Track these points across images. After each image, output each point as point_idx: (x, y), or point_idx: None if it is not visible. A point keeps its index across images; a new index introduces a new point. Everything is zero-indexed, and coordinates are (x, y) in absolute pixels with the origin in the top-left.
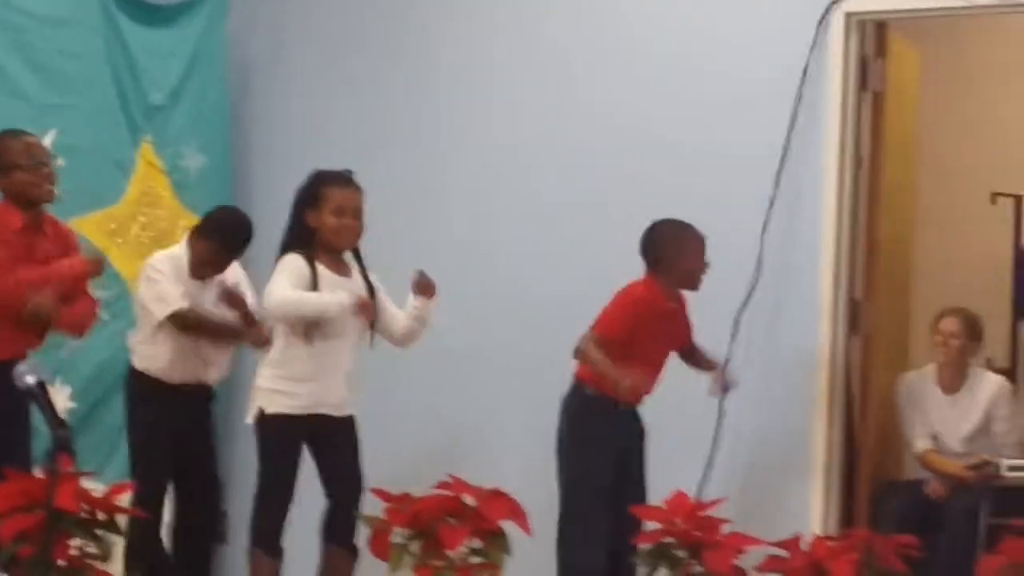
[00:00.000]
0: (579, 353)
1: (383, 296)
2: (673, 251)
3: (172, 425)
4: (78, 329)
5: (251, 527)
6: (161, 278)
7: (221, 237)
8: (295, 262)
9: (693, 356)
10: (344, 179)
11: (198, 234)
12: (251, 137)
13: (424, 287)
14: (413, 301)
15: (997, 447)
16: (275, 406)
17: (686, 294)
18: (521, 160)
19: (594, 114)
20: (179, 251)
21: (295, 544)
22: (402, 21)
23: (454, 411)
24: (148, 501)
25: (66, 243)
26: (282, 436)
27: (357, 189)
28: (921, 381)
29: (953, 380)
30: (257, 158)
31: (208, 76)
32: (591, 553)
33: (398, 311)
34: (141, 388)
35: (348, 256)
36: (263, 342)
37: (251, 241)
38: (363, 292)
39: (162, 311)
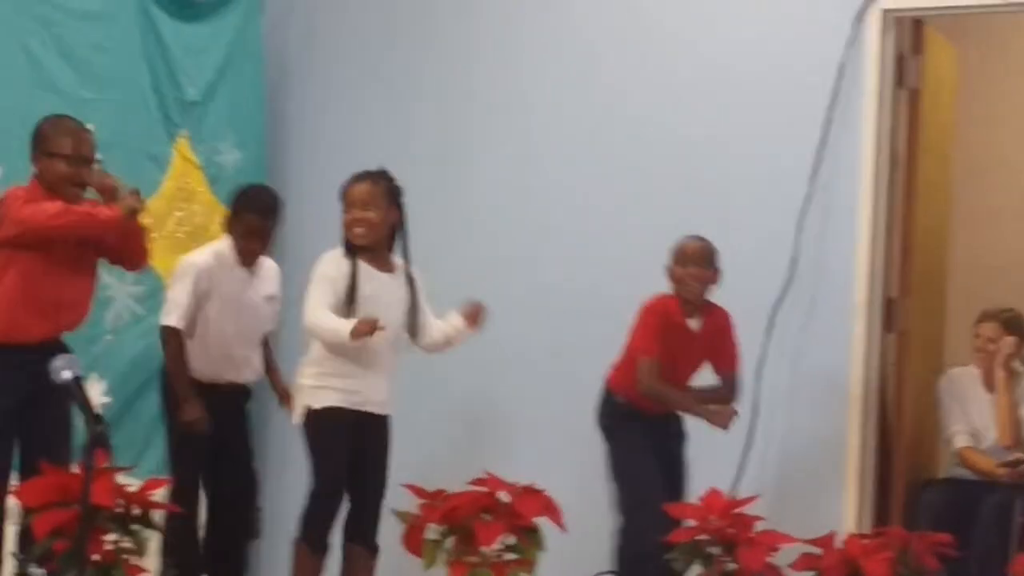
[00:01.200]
0: (644, 388)
1: (421, 297)
2: (671, 261)
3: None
4: (142, 256)
5: (301, 521)
6: (182, 284)
7: (252, 204)
8: (331, 263)
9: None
10: (358, 175)
11: (232, 216)
12: (287, 132)
13: (475, 318)
14: (456, 323)
15: None
16: (322, 401)
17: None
18: (553, 156)
19: (627, 114)
20: (220, 245)
21: None
22: (437, 14)
23: (484, 407)
24: (184, 497)
25: None
26: (331, 430)
27: (366, 181)
28: (965, 377)
29: (998, 372)
30: (293, 153)
31: (244, 71)
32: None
33: (433, 320)
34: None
35: (395, 256)
36: (188, 426)
37: (281, 206)
38: (402, 289)
39: (163, 317)
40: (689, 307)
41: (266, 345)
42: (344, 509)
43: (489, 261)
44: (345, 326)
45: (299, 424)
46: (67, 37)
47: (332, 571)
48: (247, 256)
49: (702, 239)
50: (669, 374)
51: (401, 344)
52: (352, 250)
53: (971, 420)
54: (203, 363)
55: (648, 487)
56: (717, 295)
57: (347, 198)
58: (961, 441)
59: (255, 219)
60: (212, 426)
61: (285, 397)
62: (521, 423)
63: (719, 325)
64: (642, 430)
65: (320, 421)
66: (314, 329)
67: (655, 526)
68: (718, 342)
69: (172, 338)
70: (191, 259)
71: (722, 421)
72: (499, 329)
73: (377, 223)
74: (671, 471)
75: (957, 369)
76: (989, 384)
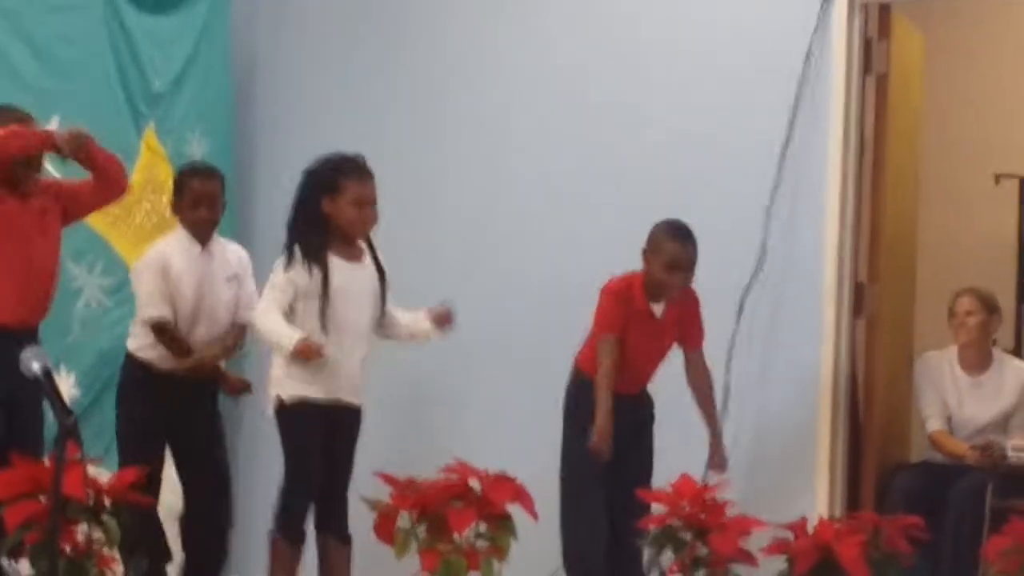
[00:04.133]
0: (602, 367)
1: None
2: (648, 252)
3: (165, 412)
4: (117, 179)
5: (276, 513)
6: (144, 279)
7: (191, 171)
8: (286, 276)
9: (700, 386)
10: (362, 169)
11: (176, 194)
12: (254, 123)
13: (443, 321)
14: (423, 323)
15: (1008, 432)
16: (294, 391)
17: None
18: (522, 146)
19: (595, 102)
20: (174, 233)
21: None
22: (406, 4)
23: (458, 395)
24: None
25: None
26: (303, 421)
27: (372, 177)
28: (942, 361)
29: (977, 361)
30: (261, 144)
31: (211, 62)
32: (590, 538)
33: (401, 314)
34: (132, 372)
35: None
36: (235, 390)
37: (222, 177)
38: (373, 277)
39: (146, 312)
40: (654, 293)
41: (231, 333)
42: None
43: (458, 250)
44: (289, 340)
45: (271, 414)
46: (33, 28)
47: (308, 563)
48: (200, 226)
49: (691, 242)
50: (631, 357)
51: (371, 333)
52: (323, 242)
53: (946, 403)
54: (162, 349)
55: (585, 484)
56: None
57: (358, 194)
58: (934, 425)
59: (197, 183)
60: (174, 415)
61: (231, 387)
62: (492, 410)
63: (684, 306)
64: None
65: (292, 412)
66: (259, 331)
67: (589, 532)
68: (685, 321)
69: (157, 330)
70: (143, 255)
71: (598, 440)
72: (470, 316)
73: (377, 218)
74: (636, 453)
75: (933, 352)
76: (966, 363)
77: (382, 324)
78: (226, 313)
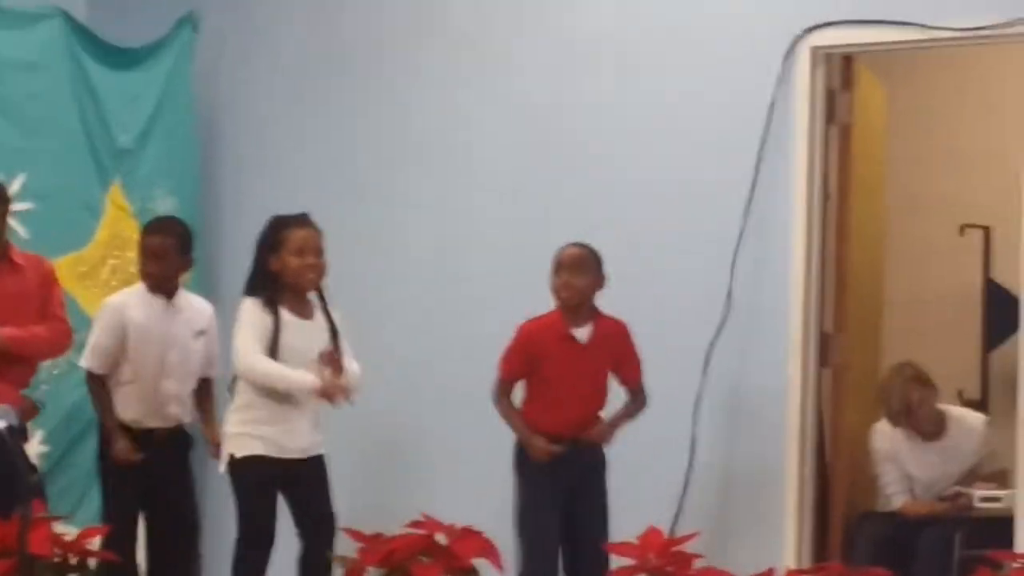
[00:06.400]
0: (495, 401)
1: (343, 340)
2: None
3: (141, 468)
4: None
5: (232, 569)
6: (97, 325)
7: (147, 228)
8: (255, 311)
9: (630, 409)
10: (302, 220)
11: (138, 250)
12: (220, 178)
13: (328, 361)
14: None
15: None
16: (244, 450)
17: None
18: (488, 195)
19: (561, 153)
20: (134, 287)
21: None
22: (371, 61)
23: (425, 447)
24: (118, 543)
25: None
26: (254, 478)
27: (315, 229)
28: (896, 431)
29: (930, 427)
30: (227, 199)
31: (176, 118)
32: None
33: (351, 362)
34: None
35: (313, 297)
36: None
37: (185, 231)
38: (325, 334)
39: (83, 359)
40: (572, 317)
41: (203, 390)
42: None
43: (422, 298)
44: (306, 379)
45: (224, 472)
46: (0, 87)
47: None
48: (149, 280)
49: (580, 245)
50: (559, 387)
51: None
52: (274, 297)
53: (907, 475)
54: (132, 404)
55: (539, 549)
56: (651, 329)
57: (297, 243)
58: (899, 501)
59: (150, 239)
60: (148, 471)
61: (215, 447)
62: (455, 460)
63: (614, 335)
64: (550, 469)
65: (243, 469)
66: (254, 372)
67: None
68: (618, 353)
69: (89, 379)
70: (104, 301)
71: (533, 455)
72: (435, 367)
73: (325, 270)
74: (587, 501)
75: (885, 423)
76: (922, 432)
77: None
78: (197, 368)
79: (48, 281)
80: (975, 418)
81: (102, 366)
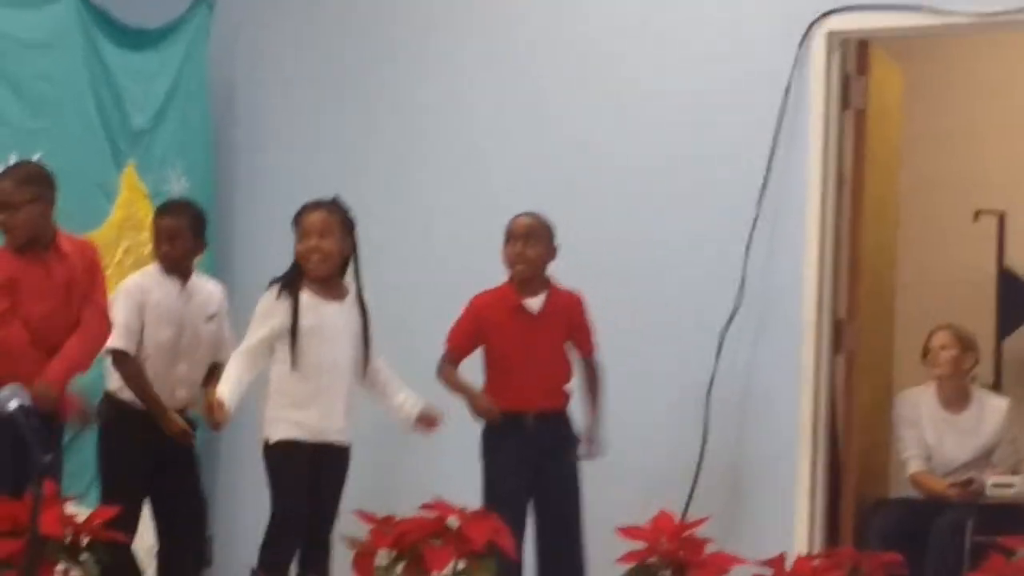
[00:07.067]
0: (437, 372)
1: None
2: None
3: (145, 450)
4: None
5: (261, 551)
6: (119, 306)
7: (160, 210)
8: (266, 301)
9: (589, 382)
10: (313, 204)
11: (151, 231)
12: (235, 160)
13: (428, 423)
14: (407, 411)
15: (990, 467)
16: (279, 433)
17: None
18: (501, 181)
19: (574, 139)
20: (149, 268)
21: None
22: (385, 41)
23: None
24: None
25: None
26: (289, 464)
27: (322, 210)
28: (920, 398)
29: (955, 397)
30: (241, 180)
31: (191, 99)
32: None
33: (392, 384)
34: (110, 412)
35: (349, 280)
36: (179, 438)
37: (197, 213)
38: (352, 318)
39: (109, 341)
40: (525, 288)
41: (213, 374)
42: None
43: (436, 284)
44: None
45: (262, 455)
46: (13, 67)
47: None
48: (167, 261)
49: (531, 215)
50: (516, 360)
51: (357, 372)
52: (294, 281)
53: (925, 443)
54: (157, 386)
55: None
56: (665, 315)
57: (303, 226)
58: (914, 466)
59: (163, 220)
60: (155, 454)
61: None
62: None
63: (568, 306)
64: (516, 446)
65: (278, 453)
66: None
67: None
68: (572, 323)
69: (122, 360)
70: (121, 284)
71: (480, 412)
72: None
73: (333, 252)
74: (556, 479)
75: (911, 389)
76: (944, 400)
77: (366, 373)
78: (207, 352)
79: (93, 267)
80: (999, 399)
81: (132, 347)
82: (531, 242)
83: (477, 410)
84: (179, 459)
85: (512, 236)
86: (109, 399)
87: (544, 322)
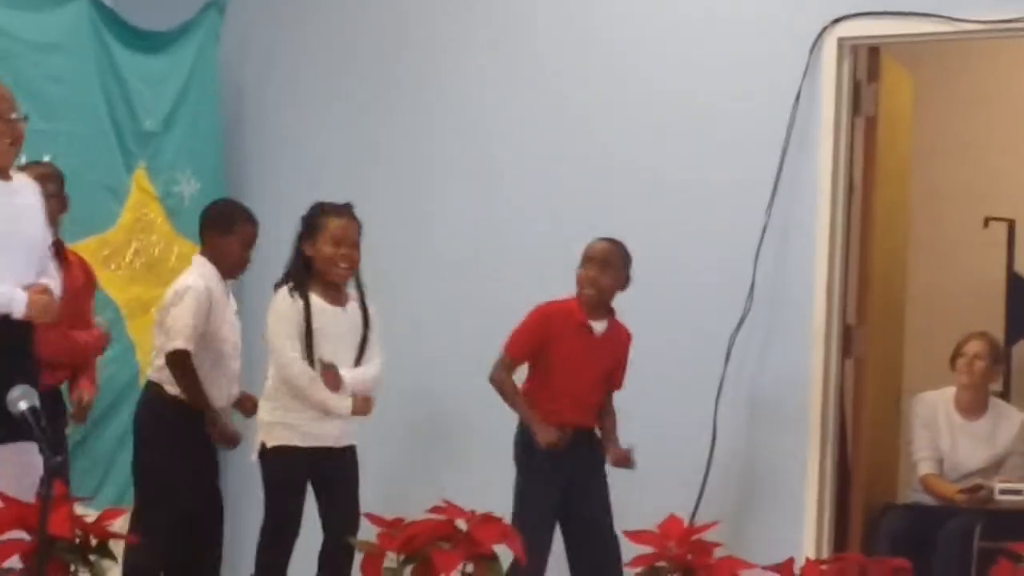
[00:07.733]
0: (492, 380)
1: (373, 332)
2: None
3: (185, 443)
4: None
5: (257, 556)
6: (187, 308)
7: (245, 214)
8: (284, 302)
9: (610, 412)
10: (342, 209)
11: (222, 233)
12: (245, 162)
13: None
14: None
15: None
16: (275, 439)
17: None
18: (512, 189)
19: (586, 144)
20: (201, 268)
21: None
22: (396, 44)
23: (451, 435)
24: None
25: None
26: (284, 470)
27: (355, 220)
28: (938, 402)
29: (973, 404)
30: (251, 183)
31: (201, 102)
32: None
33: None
34: (156, 404)
35: (350, 286)
36: (228, 442)
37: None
38: (357, 322)
39: (169, 343)
40: (590, 311)
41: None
42: (319, 542)
43: (448, 290)
44: (338, 405)
45: (255, 459)
46: (24, 69)
47: None
48: (242, 268)
49: (611, 241)
50: (566, 377)
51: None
52: (305, 282)
53: (938, 446)
54: (218, 386)
55: (534, 534)
56: (675, 319)
57: (330, 231)
58: (925, 468)
59: (251, 227)
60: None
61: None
62: (476, 447)
63: (622, 339)
64: (551, 457)
65: (273, 458)
66: (294, 385)
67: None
68: (619, 356)
69: (184, 360)
70: (185, 282)
71: (546, 442)
72: (462, 357)
73: (358, 262)
74: (589, 491)
75: (929, 392)
76: (962, 406)
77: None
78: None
79: (91, 283)
80: (1016, 412)
81: (192, 344)
82: (607, 270)
83: (542, 438)
84: (209, 454)
85: (588, 260)
86: (155, 390)
87: (603, 346)
